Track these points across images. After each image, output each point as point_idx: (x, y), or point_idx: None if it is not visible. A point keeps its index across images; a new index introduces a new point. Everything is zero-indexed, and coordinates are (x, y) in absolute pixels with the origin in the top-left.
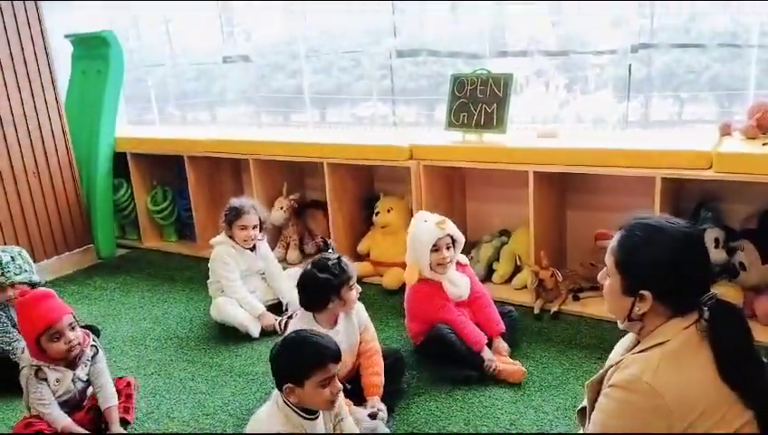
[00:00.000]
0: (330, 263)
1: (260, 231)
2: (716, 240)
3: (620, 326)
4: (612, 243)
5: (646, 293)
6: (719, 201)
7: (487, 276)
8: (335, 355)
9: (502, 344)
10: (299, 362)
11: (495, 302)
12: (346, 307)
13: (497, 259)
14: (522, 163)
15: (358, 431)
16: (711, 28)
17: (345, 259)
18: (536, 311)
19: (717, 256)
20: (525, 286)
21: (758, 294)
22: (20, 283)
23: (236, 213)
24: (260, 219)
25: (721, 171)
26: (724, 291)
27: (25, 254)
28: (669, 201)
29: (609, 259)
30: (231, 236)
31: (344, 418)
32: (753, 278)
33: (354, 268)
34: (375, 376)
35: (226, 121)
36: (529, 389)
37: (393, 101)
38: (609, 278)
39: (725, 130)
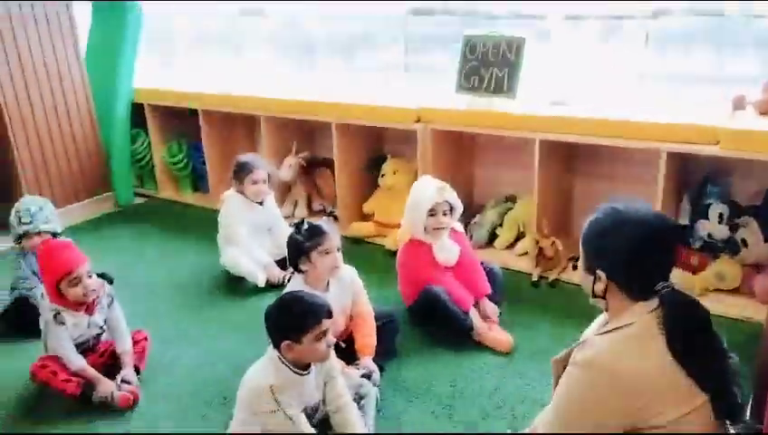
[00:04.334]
0: (305, 226)
1: (267, 185)
2: (720, 215)
3: (590, 302)
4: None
5: (601, 273)
6: (727, 176)
7: (490, 242)
8: (328, 311)
9: (489, 306)
10: (296, 319)
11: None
12: (320, 273)
13: (501, 225)
14: (528, 130)
15: (347, 390)
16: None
17: (327, 226)
18: (534, 278)
19: (720, 231)
20: (527, 253)
21: (758, 271)
22: (45, 232)
23: (247, 168)
24: (268, 174)
25: (727, 148)
26: (724, 267)
27: (51, 205)
28: (675, 174)
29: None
30: (241, 191)
31: (334, 377)
32: (753, 256)
33: (335, 237)
34: (367, 337)
35: (251, 67)
36: (518, 355)
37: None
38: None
39: (739, 104)
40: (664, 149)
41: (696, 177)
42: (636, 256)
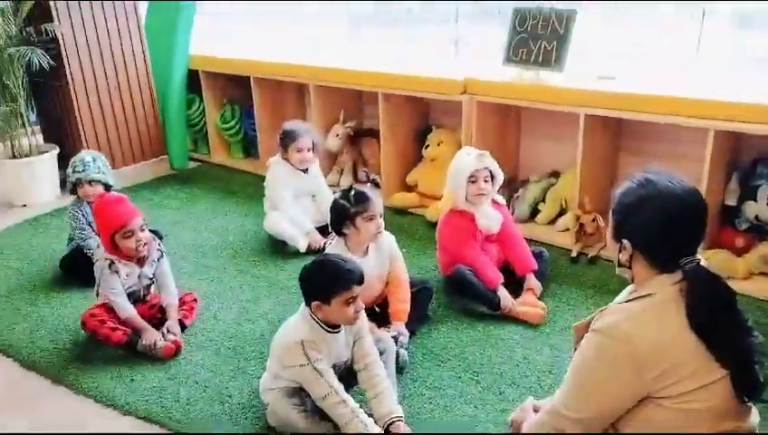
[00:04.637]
0: (352, 192)
1: (312, 153)
2: None
3: (617, 271)
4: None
5: (626, 243)
6: None
7: (531, 216)
8: (359, 278)
9: (533, 282)
10: (327, 282)
11: (531, 242)
12: (362, 237)
13: (543, 200)
14: (574, 104)
15: (375, 350)
16: None
17: (372, 193)
18: (573, 254)
19: None
20: (568, 229)
21: None
22: (96, 181)
23: (292, 136)
24: (313, 142)
25: None
26: None
27: (104, 159)
28: (725, 153)
29: None
30: (286, 158)
31: (363, 336)
32: None
33: (379, 203)
34: (400, 304)
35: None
36: (549, 328)
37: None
38: None
39: None
40: (712, 126)
41: (747, 157)
42: (661, 230)
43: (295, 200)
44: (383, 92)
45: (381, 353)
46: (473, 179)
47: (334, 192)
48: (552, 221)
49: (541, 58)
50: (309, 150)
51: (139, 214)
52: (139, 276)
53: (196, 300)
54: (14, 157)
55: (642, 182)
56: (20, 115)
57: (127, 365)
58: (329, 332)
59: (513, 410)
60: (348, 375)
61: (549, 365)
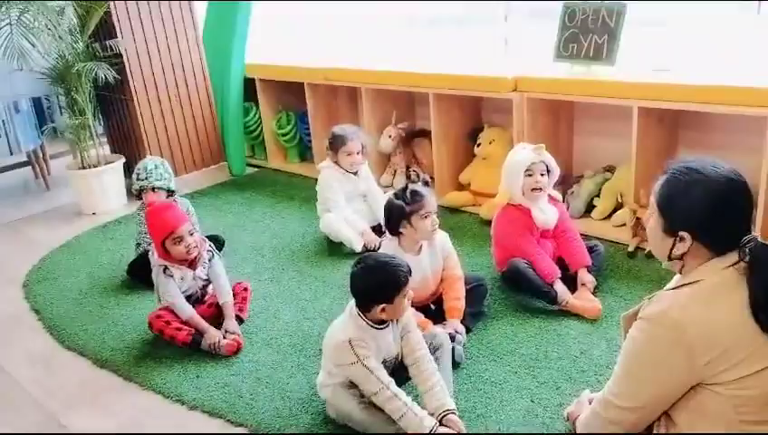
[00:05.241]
0: (407, 191)
1: (361, 155)
2: None
3: (663, 265)
4: (656, 184)
5: (685, 234)
6: None
7: (587, 212)
8: (410, 269)
9: (586, 277)
10: (391, 283)
11: (586, 237)
12: (418, 235)
13: (598, 195)
14: (626, 98)
15: (424, 344)
16: None
17: (426, 191)
18: (630, 249)
19: None
20: (624, 224)
21: None
22: (159, 188)
23: (341, 140)
24: (362, 145)
25: None
26: None
27: (167, 164)
28: None
29: (651, 199)
30: (336, 162)
31: (410, 331)
32: None
33: (433, 201)
34: (455, 301)
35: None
36: (606, 322)
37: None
38: (651, 218)
39: None
40: None
41: None
42: (722, 211)
43: (347, 202)
44: (434, 93)
45: (437, 350)
46: (529, 173)
47: (385, 192)
48: (608, 216)
49: (592, 52)
50: (358, 153)
51: (186, 219)
52: (193, 278)
53: (246, 289)
54: (83, 167)
55: (684, 171)
56: (88, 128)
57: (192, 362)
58: (375, 328)
59: (570, 404)
60: (399, 370)
61: (606, 360)
